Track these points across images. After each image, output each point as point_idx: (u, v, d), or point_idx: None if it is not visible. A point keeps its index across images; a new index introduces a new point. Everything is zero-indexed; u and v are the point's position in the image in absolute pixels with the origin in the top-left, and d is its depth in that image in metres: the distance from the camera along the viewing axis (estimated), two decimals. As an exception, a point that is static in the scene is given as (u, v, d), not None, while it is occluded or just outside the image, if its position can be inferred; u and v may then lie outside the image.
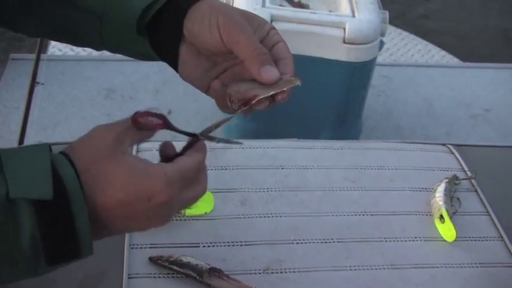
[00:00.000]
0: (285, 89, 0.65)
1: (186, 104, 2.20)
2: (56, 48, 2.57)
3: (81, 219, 0.55)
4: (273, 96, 0.65)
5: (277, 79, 0.65)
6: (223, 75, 0.70)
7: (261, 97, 0.65)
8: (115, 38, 0.72)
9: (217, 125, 0.66)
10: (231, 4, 1.81)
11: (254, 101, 0.65)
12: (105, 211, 0.58)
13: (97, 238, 0.59)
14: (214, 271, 0.89)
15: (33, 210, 0.53)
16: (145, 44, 0.71)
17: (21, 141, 1.74)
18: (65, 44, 2.61)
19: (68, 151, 0.58)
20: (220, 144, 1.15)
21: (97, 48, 0.76)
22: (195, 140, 0.65)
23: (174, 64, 0.71)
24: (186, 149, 0.64)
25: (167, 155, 0.64)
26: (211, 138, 0.66)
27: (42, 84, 1.98)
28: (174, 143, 0.65)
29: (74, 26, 0.74)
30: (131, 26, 0.69)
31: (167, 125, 0.64)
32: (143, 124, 0.62)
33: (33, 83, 1.87)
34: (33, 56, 1.96)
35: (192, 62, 0.70)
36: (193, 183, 0.62)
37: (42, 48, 2.11)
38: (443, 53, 3.03)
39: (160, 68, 2.41)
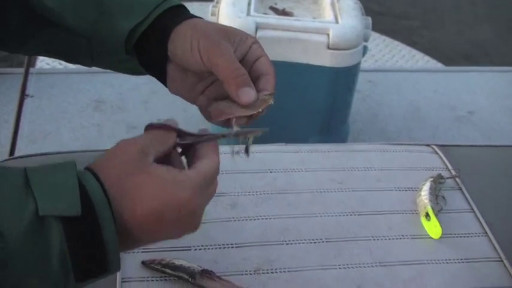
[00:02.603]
0: (260, 109, 0.68)
1: (175, 113, 2.19)
2: (44, 62, 2.59)
3: (108, 234, 0.56)
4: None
5: (254, 100, 0.67)
6: (210, 88, 0.73)
7: (237, 116, 0.68)
8: (105, 58, 0.75)
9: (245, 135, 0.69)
10: (216, 14, 1.84)
11: (232, 121, 0.68)
12: (135, 225, 0.58)
13: (126, 250, 0.60)
14: (206, 273, 0.91)
15: (61, 227, 0.54)
16: (134, 62, 0.74)
17: (11, 153, 1.75)
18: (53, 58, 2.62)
19: (93, 166, 0.59)
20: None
21: (88, 65, 0.79)
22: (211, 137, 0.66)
23: (162, 79, 0.74)
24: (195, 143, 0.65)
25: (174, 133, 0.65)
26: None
27: (32, 96, 1.99)
28: None
29: (66, 48, 0.76)
30: (120, 47, 0.71)
31: (183, 134, 0.65)
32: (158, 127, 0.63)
33: (23, 96, 1.88)
34: (22, 70, 1.97)
35: (179, 78, 0.72)
36: (211, 184, 0.64)
37: (31, 62, 2.12)
38: (427, 58, 3.07)
39: (149, 79, 2.40)
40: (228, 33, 0.70)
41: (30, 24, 0.75)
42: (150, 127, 0.64)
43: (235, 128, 0.68)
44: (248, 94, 0.67)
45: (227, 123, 0.70)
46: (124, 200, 0.58)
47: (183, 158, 0.66)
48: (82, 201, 0.55)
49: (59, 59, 0.81)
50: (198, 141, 0.65)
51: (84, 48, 0.74)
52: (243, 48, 0.70)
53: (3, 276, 0.52)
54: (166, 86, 0.74)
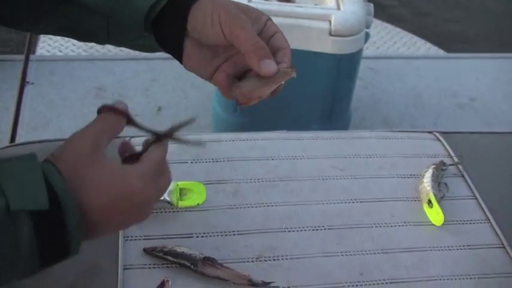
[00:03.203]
0: (283, 82, 0.71)
1: (176, 100, 2.22)
2: (44, 49, 2.58)
3: (72, 224, 0.59)
4: None
5: (276, 72, 0.70)
6: (225, 64, 0.74)
7: (264, 97, 0.71)
8: (121, 35, 0.76)
9: (180, 126, 0.69)
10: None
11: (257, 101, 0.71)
12: (91, 214, 0.61)
13: (87, 238, 0.62)
14: (207, 260, 0.91)
15: (31, 220, 0.56)
16: (151, 38, 0.75)
17: (12, 140, 1.75)
18: (53, 45, 2.62)
19: (52, 160, 0.61)
20: (212, 137, 1.18)
21: (102, 43, 0.80)
22: (156, 140, 0.68)
23: (177, 55, 0.75)
24: (148, 146, 0.68)
25: (127, 152, 0.68)
26: (173, 139, 0.69)
27: (32, 83, 1.99)
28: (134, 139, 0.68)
29: (81, 25, 0.77)
30: (138, 23, 0.72)
31: (131, 121, 0.67)
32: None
33: (23, 83, 1.88)
34: (22, 56, 1.96)
35: (196, 54, 0.74)
36: (161, 175, 0.67)
37: (31, 49, 2.12)
38: (428, 45, 3.06)
39: (149, 67, 2.43)
40: (245, 10, 0.72)
41: (44, 1, 0.75)
42: (102, 109, 0.66)
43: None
44: (269, 66, 0.69)
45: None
46: (81, 190, 0.60)
47: None
48: (48, 195, 0.57)
49: (71, 37, 0.82)
50: (143, 131, 0.68)
51: (101, 25, 0.75)
52: (259, 25, 0.73)
53: None
54: (181, 62, 0.75)
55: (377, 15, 2.05)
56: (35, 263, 0.58)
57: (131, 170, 0.64)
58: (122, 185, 0.62)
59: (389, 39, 3.06)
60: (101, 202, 0.61)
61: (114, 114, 0.66)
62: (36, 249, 0.57)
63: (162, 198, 0.90)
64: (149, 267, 0.92)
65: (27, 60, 1.94)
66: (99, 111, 0.66)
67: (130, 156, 0.68)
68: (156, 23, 0.73)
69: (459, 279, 0.96)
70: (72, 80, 2.37)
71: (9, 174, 0.57)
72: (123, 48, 0.81)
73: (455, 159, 1.19)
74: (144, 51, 0.79)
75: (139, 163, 0.65)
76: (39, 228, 0.57)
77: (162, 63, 2.36)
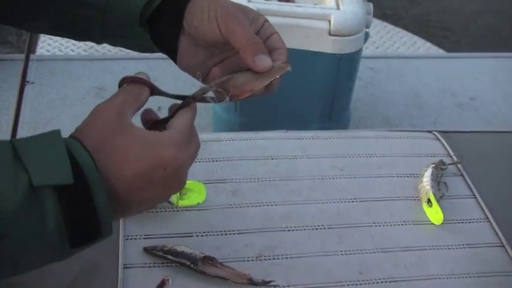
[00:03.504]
0: (277, 76, 0.69)
1: (175, 100, 2.21)
2: (44, 49, 2.58)
3: (100, 200, 0.57)
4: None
5: (270, 67, 0.69)
6: (220, 65, 0.74)
7: (257, 90, 0.69)
8: (116, 32, 0.75)
9: (205, 89, 0.68)
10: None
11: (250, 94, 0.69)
12: (123, 186, 0.59)
13: (118, 217, 0.61)
14: (208, 259, 0.91)
15: (56, 196, 0.54)
16: (146, 37, 0.74)
17: (12, 140, 1.75)
18: (53, 45, 2.62)
19: (76, 135, 0.59)
20: (212, 136, 1.19)
21: (97, 41, 0.79)
22: (183, 105, 0.67)
23: (172, 54, 0.75)
24: (177, 110, 0.66)
25: (151, 120, 0.67)
26: (203, 99, 0.68)
27: (32, 83, 1.99)
28: None
29: (76, 21, 0.76)
30: (134, 19, 0.72)
31: (155, 90, 0.66)
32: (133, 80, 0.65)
33: (24, 82, 1.88)
34: (23, 56, 1.97)
35: (190, 52, 0.73)
36: (192, 139, 0.65)
37: (31, 49, 2.12)
38: (428, 44, 3.07)
39: (149, 66, 2.43)
40: (242, 9, 0.72)
41: None
42: (124, 80, 0.65)
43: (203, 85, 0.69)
44: (264, 61, 0.68)
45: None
46: (110, 163, 0.58)
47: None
48: (72, 169, 0.55)
49: (67, 35, 0.81)
50: (169, 97, 0.67)
51: (96, 22, 0.75)
52: (256, 25, 0.72)
53: (2, 248, 0.53)
54: (175, 61, 0.75)
55: (376, 14, 2.05)
56: (64, 243, 0.56)
57: (162, 136, 0.61)
58: (155, 152, 0.60)
59: (388, 39, 3.07)
60: (133, 171, 0.59)
61: (136, 85, 0.65)
62: (63, 227, 0.55)
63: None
64: (149, 266, 0.92)
65: (27, 59, 1.95)
66: (120, 84, 0.65)
67: (155, 123, 0.66)
68: (152, 21, 0.73)
69: (459, 278, 0.97)
70: (72, 80, 2.37)
71: (32, 150, 0.55)
72: (122, 48, 0.81)
73: (455, 159, 1.19)
74: (140, 51, 0.78)
75: (170, 129, 0.63)
76: (65, 204, 0.55)
77: (161, 63, 2.35)
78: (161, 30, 0.73)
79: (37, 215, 0.54)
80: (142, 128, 0.62)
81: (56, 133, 0.57)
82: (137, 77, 0.65)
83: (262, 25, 0.73)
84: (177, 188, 0.64)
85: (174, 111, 0.66)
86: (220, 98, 0.69)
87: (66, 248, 0.56)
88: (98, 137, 0.59)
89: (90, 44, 2.52)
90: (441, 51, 3.05)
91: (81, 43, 2.57)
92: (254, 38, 0.69)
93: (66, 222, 0.55)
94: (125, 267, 0.92)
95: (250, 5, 1.77)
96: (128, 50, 0.81)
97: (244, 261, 0.95)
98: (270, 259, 0.96)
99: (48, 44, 2.62)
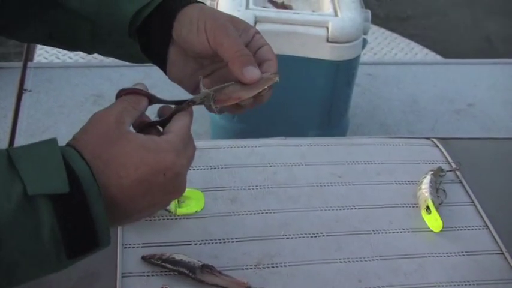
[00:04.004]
0: (265, 87, 0.68)
1: (173, 108, 2.21)
2: (41, 56, 2.58)
3: (97, 210, 0.56)
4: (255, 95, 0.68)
5: (259, 78, 0.68)
6: (210, 77, 0.73)
7: (245, 99, 0.68)
8: (106, 41, 0.74)
9: (204, 95, 0.68)
10: (215, 6, 1.83)
11: (238, 101, 0.68)
12: (122, 194, 0.58)
13: (116, 225, 0.60)
14: (206, 267, 0.91)
15: (51, 205, 0.53)
16: (136, 47, 0.73)
17: (10, 148, 1.74)
18: (50, 52, 2.62)
19: (73, 143, 0.59)
20: (210, 144, 1.18)
21: (89, 51, 0.79)
22: (178, 109, 0.66)
23: (162, 65, 0.74)
24: (173, 114, 0.66)
25: (143, 122, 0.66)
26: (199, 104, 0.68)
27: (30, 91, 1.99)
28: None
29: (67, 31, 0.76)
30: (123, 30, 0.71)
31: (153, 100, 0.66)
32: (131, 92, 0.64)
33: (21, 90, 1.88)
34: (20, 64, 1.97)
35: (180, 63, 0.73)
36: (189, 143, 0.64)
37: (29, 57, 2.12)
38: (426, 50, 3.07)
39: (146, 74, 2.43)
40: (233, 21, 0.71)
41: (33, 5, 0.74)
42: (121, 92, 0.64)
43: (203, 90, 0.68)
44: (252, 72, 0.67)
45: (234, 109, 0.70)
46: (108, 171, 0.57)
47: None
48: (68, 178, 0.54)
49: (60, 46, 0.81)
50: (167, 104, 0.67)
51: (86, 32, 0.74)
52: (246, 37, 0.71)
53: None
54: (165, 72, 0.74)
55: (374, 21, 2.06)
56: (60, 253, 0.55)
57: (162, 141, 0.61)
58: (155, 158, 0.59)
59: (386, 45, 3.07)
60: (132, 178, 0.58)
61: (135, 95, 0.64)
62: (59, 237, 0.54)
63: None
64: (148, 275, 0.92)
65: (25, 67, 1.95)
66: (118, 96, 0.64)
67: (147, 126, 0.66)
68: (141, 31, 0.72)
69: (458, 285, 0.96)
70: (70, 87, 2.36)
71: (27, 159, 0.54)
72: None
73: (453, 165, 1.19)
74: (131, 61, 0.78)
75: (168, 134, 0.63)
76: (61, 214, 0.54)
77: (159, 70, 2.34)
78: (151, 41, 0.72)
79: (32, 224, 0.53)
80: (140, 134, 0.61)
81: (52, 141, 0.57)
82: (135, 88, 0.65)
83: (252, 36, 0.72)
84: (177, 193, 0.64)
85: (169, 115, 0.66)
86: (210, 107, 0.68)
87: (63, 258, 0.56)
88: (96, 144, 0.58)
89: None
90: (439, 57, 3.05)
91: (79, 51, 2.56)
92: (242, 49, 0.68)
93: (62, 232, 0.54)
94: (123, 276, 0.91)
95: (248, 12, 1.77)
96: None
97: (242, 269, 0.94)
98: (268, 267, 0.95)
99: (46, 52, 2.61)
